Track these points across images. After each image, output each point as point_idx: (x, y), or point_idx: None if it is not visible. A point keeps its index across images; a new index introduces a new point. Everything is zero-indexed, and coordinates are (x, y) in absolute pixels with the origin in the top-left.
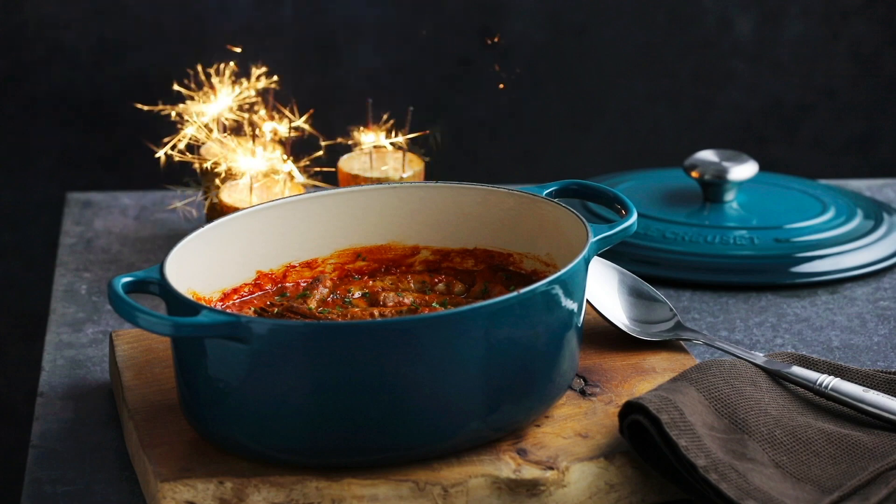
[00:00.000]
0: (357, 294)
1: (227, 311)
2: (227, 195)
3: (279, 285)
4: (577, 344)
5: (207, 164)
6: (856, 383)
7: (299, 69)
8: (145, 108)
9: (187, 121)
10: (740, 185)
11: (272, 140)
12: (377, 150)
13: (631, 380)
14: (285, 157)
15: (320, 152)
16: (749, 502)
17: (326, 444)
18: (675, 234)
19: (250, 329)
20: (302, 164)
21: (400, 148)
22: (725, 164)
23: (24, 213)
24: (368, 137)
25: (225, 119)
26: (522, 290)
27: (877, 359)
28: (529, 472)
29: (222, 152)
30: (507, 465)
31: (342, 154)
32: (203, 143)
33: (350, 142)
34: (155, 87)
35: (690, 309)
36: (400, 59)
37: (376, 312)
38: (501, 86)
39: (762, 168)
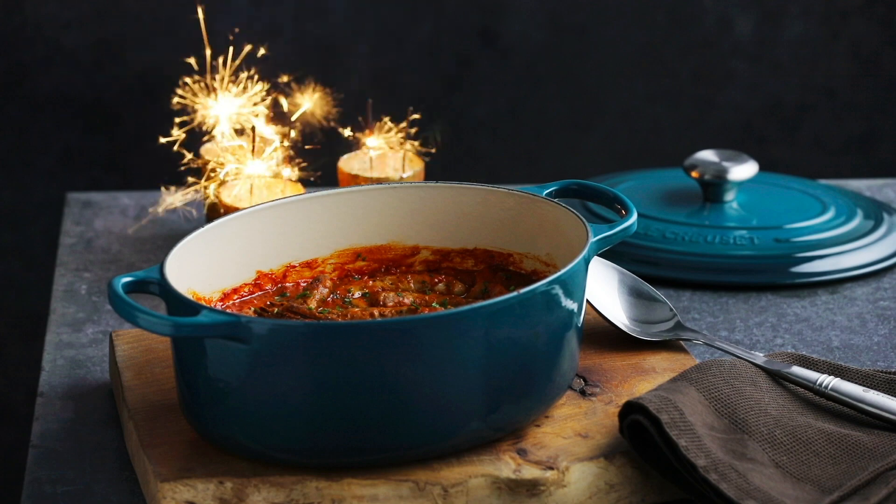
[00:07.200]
0: (357, 294)
1: (227, 311)
2: (227, 195)
3: (279, 285)
4: (577, 344)
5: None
6: (856, 383)
7: (299, 69)
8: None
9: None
10: (740, 185)
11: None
12: (378, 146)
13: (631, 380)
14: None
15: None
16: (749, 502)
17: (326, 444)
18: (675, 234)
19: (250, 329)
20: (300, 167)
21: (402, 143)
22: (725, 164)
23: (24, 213)
24: (369, 138)
25: (234, 120)
26: (522, 290)
27: (877, 359)
28: (529, 472)
29: (223, 154)
30: (507, 465)
31: (342, 154)
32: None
33: (349, 140)
34: (155, 86)
35: (690, 309)
36: (400, 59)
37: (376, 312)
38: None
39: (762, 168)
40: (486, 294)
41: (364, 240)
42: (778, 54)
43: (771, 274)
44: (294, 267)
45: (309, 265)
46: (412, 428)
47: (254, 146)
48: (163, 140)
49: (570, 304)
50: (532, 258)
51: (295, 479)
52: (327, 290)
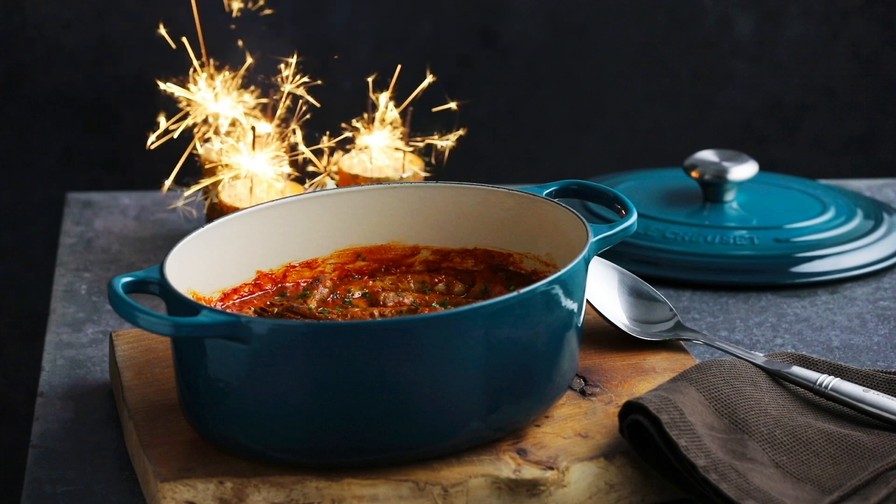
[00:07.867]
0: (357, 294)
1: (227, 311)
2: (227, 195)
3: (279, 285)
4: (577, 344)
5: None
6: (856, 383)
7: (299, 69)
8: (166, 87)
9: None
10: (740, 185)
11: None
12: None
13: (631, 380)
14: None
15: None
16: (749, 502)
17: (326, 444)
18: (675, 234)
19: (250, 329)
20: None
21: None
22: (725, 164)
23: (24, 213)
24: (369, 137)
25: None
26: (522, 290)
27: (877, 359)
28: (529, 472)
29: (223, 150)
30: (507, 465)
31: (342, 154)
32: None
33: (349, 139)
34: (155, 87)
35: (690, 309)
36: (400, 59)
37: (376, 312)
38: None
39: (762, 168)
40: (486, 294)
41: (364, 240)
42: (778, 54)
43: (771, 274)
44: (294, 267)
45: (309, 265)
46: (412, 428)
47: (254, 145)
48: (155, 140)
49: (570, 304)
50: (532, 258)
51: (295, 479)
52: (327, 290)
